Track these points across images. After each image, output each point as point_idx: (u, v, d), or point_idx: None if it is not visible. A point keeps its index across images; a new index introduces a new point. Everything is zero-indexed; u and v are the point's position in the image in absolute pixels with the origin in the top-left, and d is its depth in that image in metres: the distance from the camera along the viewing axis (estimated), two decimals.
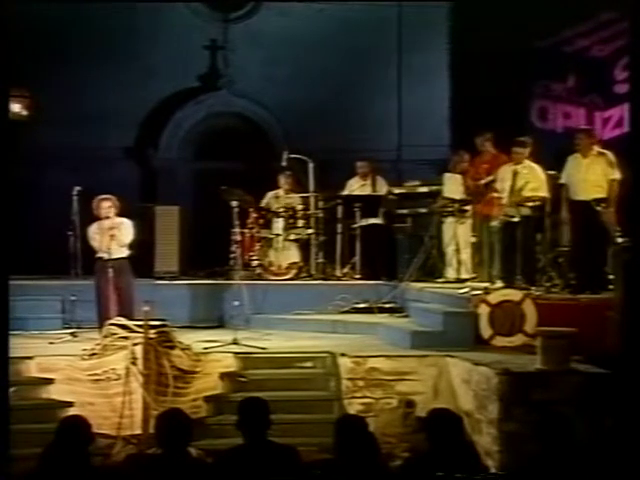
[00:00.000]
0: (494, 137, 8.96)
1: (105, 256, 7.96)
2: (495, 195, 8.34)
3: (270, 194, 10.05)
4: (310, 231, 9.73)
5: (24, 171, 10.17)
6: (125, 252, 8.06)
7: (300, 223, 9.74)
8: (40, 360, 6.95)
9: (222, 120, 11.82)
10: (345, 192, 9.92)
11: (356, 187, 9.96)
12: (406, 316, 8.50)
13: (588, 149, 8.01)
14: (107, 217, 7.98)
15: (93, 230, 8.05)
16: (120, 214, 8.11)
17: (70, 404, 6.61)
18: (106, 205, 8.00)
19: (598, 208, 7.80)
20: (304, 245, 9.74)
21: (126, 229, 8.06)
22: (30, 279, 9.09)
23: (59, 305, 8.64)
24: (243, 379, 6.97)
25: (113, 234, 7.92)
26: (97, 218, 8.08)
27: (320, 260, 9.70)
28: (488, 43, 10.51)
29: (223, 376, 6.97)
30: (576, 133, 8.32)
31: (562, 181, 8.15)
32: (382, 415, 6.72)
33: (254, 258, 9.59)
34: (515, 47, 10.48)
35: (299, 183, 9.97)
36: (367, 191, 9.91)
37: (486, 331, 7.33)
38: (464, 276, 8.87)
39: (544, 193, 8.09)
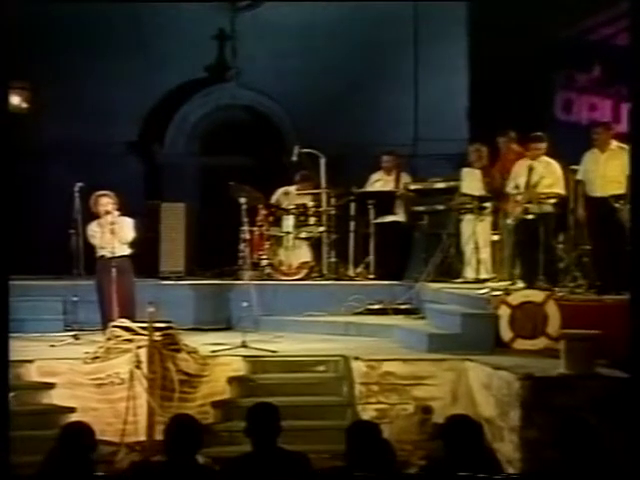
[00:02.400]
0: (518, 135, 8.89)
1: (107, 254, 7.98)
2: (511, 191, 8.32)
3: (280, 190, 10.05)
4: (322, 229, 9.72)
5: (24, 167, 10.20)
6: (127, 250, 8.07)
7: (311, 221, 9.73)
8: (41, 364, 6.97)
9: (230, 113, 11.83)
10: (366, 186, 9.90)
11: (377, 182, 9.94)
12: (422, 318, 8.49)
13: (606, 143, 8.00)
14: (107, 212, 7.99)
15: (93, 227, 8.06)
16: (123, 211, 8.12)
17: (72, 410, 6.62)
18: (104, 201, 8.00)
19: (616, 205, 7.77)
20: (315, 244, 9.74)
21: (127, 226, 8.07)
22: (30, 279, 9.12)
23: (60, 306, 8.66)
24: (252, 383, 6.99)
25: (113, 229, 7.93)
26: (96, 216, 8.08)
27: (332, 259, 9.69)
28: (508, 33, 10.47)
29: (231, 380, 6.97)
30: (593, 127, 8.30)
31: (578, 177, 8.13)
32: (397, 421, 6.71)
33: (263, 257, 9.59)
34: (537, 36, 10.44)
35: (314, 184, 9.95)
36: (390, 187, 9.89)
37: (507, 334, 7.30)
38: (483, 276, 8.84)
39: (560, 190, 8.08)
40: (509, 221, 8.27)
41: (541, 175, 8.05)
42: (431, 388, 6.85)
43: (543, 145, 8.18)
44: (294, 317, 8.80)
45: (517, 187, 8.19)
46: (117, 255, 7.98)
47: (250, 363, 7.16)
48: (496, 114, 9.93)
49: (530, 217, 7.96)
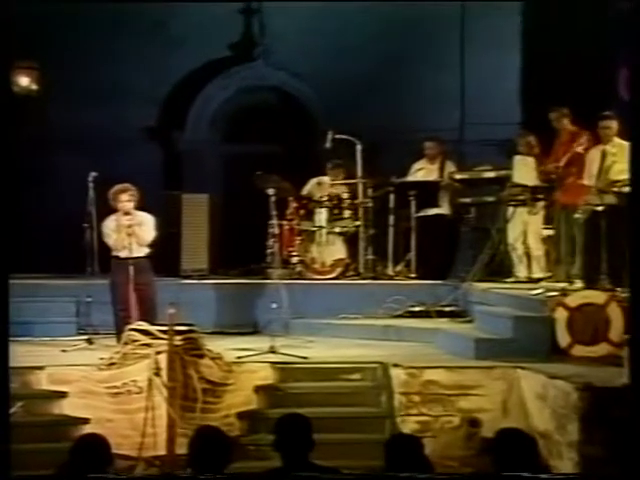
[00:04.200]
0: (571, 112, 8.84)
1: (124, 254, 8.00)
2: (583, 182, 8.21)
3: (312, 181, 10.07)
4: (358, 223, 9.73)
5: (33, 154, 10.33)
6: (146, 250, 8.10)
7: (346, 214, 9.75)
8: (52, 370, 7.04)
9: (257, 96, 11.86)
10: (407, 176, 9.90)
11: (419, 171, 9.92)
12: (469, 321, 8.48)
13: None
14: (126, 213, 7.99)
15: (109, 226, 8.06)
16: (141, 205, 8.15)
17: (86, 421, 6.70)
18: (124, 198, 7.99)
19: None
20: (351, 239, 9.75)
21: (147, 225, 8.08)
22: (40, 278, 9.23)
23: (73, 307, 8.75)
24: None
25: (132, 232, 7.94)
26: (114, 209, 8.11)
27: (369, 256, 9.70)
28: (566, 3, 10.37)
29: (258, 389, 7.02)
30: None
31: None
32: (442, 435, 6.72)
33: (294, 254, 9.63)
34: (598, 6, 10.35)
35: (349, 174, 9.95)
36: (433, 176, 9.88)
37: (564, 339, 7.28)
38: (537, 275, 8.83)
39: None
40: (578, 214, 8.16)
41: (613, 160, 7.93)
42: (479, 399, 6.84)
43: (613, 124, 8.06)
44: (327, 320, 8.82)
45: (591, 176, 8.08)
46: (135, 255, 8.00)
47: (279, 370, 7.19)
48: (551, 95, 9.85)
49: (600, 209, 7.83)
